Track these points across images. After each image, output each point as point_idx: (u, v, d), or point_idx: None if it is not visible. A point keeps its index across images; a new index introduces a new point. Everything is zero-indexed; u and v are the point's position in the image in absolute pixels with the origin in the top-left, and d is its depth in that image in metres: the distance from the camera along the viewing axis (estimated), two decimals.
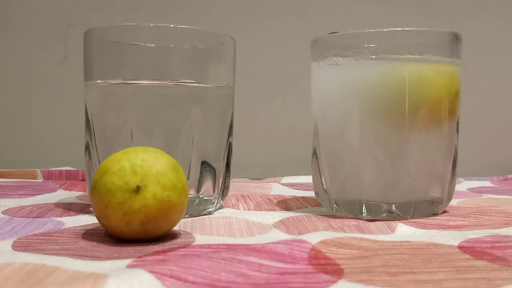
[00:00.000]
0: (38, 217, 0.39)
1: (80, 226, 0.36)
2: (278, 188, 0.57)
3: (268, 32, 0.74)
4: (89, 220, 0.38)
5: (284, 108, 0.74)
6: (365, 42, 0.38)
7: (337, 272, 0.25)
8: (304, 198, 0.50)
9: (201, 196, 0.41)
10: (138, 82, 0.39)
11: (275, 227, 0.37)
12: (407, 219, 0.38)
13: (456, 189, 0.44)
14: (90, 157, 0.41)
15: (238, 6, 0.74)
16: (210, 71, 0.41)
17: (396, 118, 0.38)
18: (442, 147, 0.40)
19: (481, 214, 0.41)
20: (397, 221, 0.37)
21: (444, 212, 0.42)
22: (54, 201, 0.46)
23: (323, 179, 0.42)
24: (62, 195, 0.50)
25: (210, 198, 0.42)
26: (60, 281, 0.23)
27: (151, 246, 0.30)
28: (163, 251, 0.29)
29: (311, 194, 0.51)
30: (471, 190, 0.57)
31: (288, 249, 0.28)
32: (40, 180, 0.61)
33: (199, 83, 0.40)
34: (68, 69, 0.73)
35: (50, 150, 0.74)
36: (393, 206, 0.39)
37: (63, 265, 0.26)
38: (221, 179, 0.42)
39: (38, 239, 0.32)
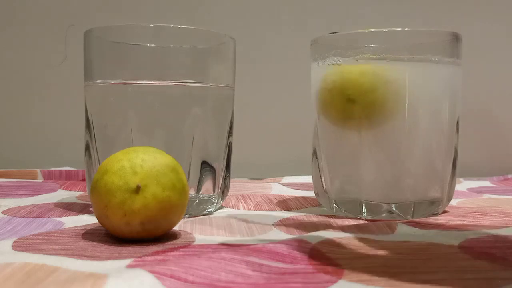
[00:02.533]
0: (38, 217, 0.39)
1: (80, 226, 0.36)
2: (278, 188, 0.57)
3: (268, 32, 0.74)
4: (89, 220, 0.38)
5: (284, 108, 0.74)
6: (365, 42, 0.38)
7: (337, 272, 0.25)
8: (304, 198, 0.50)
9: (201, 196, 0.41)
10: (138, 82, 0.39)
11: (275, 227, 0.37)
12: (407, 219, 0.38)
13: (456, 189, 0.44)
14: (90, 157, 0.41)
15: (238, 6, 0.74)
16: (210, 71, 0.41)
17: (396, 118, 0.38)
18: (442, 147, 0.40)
19: (481, 214, 0.41)
20: (397, 221, 0.37)
21: (444, 212, 0.42)
22: (54, 201, 0.46)
23: (323, 179, 0.42)
24: (62, 195, 0.50)
25: (210, 198, 0.42)
26: (60, 281, 0.23)
27: (151, 246, 0.30)
28: (163, 251, 0.29)
29: (311, 194, 0.51)
30: (471, 190, 0.57)
31: (288, 249, 0.28)
32: (40, 180, 0.61)
33: (199, 83, 0.40)
34: (68, 69, 0.73)
35: (50, 150, 0.74)
36: (393, 206, 0.39)
37: (63, 265, 0.26)
38: (221, 179, 0.42)
39: (38, 239, 0.32)
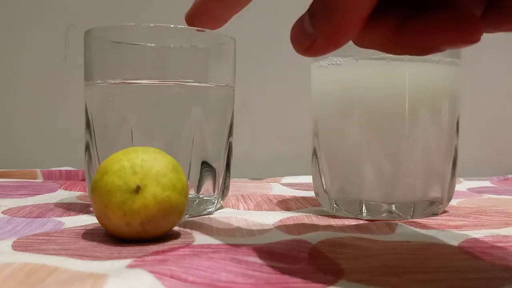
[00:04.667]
0: (38, 217, 0.39)
1: (80, 226, 0.36)
2: (278, 188, 0.57)
3: (268, 32, 0.74)
4: (89, 220, 0.38)
5: (284, 108, 0.74)
6: None
7: (337, 272, 0.25)
8: (304, 198, 0.50)
9: (201, 196, 0.41)
10: (138, 82, 0.39)
11: (275, 227, 0.37)
12: (407, 219, 0.38)
13: (456, 189, 0.44)
14: (90, 157, 0.41)
15: None
16: (210, 71, 0.41)
17: (396, 118, 0.38)
18: (442, 147, 0.40)
19: (481, 214, 0.41)
20: (397, 221, 0.37)
21: (444, 212, 0.42)
22: (54, 201, 0.46)
23: (323, 179, 0.42)
24: (62, 195, 0.50)
25: (210, 198, 0.42)
26: (60, 281, 0.23)
27: (151, 246, 0.30)
28: (163, 251, 0.29)
29: (311, 194, 0.51)
30: (471, 190, 0.57)
31: (288, 249, 0.28)
32: (40, 180, 0.61)
33: (199, 83, 0.40)
34: (68, 69, 0.73)
35: (50, 150, 0.74)
36: (393, 206, 0.39)
37: (63, 265, 0.26)
38: (221, 179, 0.42)
39: (38, 239, 0.32)
